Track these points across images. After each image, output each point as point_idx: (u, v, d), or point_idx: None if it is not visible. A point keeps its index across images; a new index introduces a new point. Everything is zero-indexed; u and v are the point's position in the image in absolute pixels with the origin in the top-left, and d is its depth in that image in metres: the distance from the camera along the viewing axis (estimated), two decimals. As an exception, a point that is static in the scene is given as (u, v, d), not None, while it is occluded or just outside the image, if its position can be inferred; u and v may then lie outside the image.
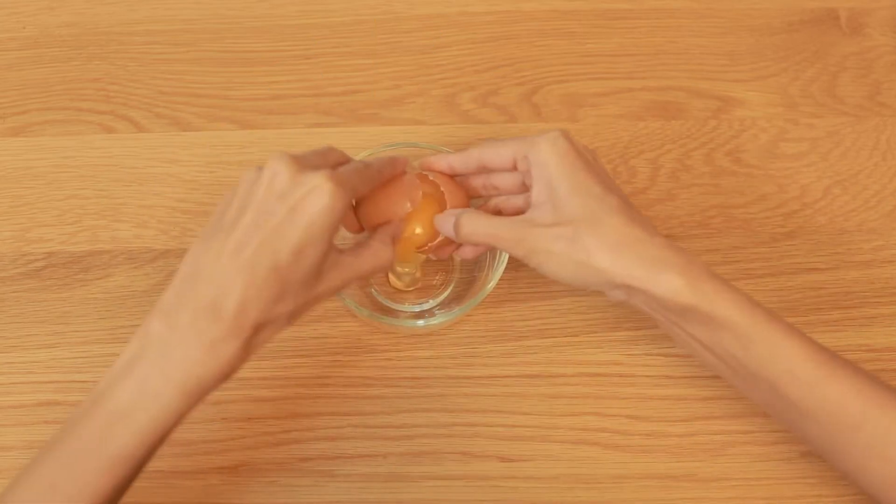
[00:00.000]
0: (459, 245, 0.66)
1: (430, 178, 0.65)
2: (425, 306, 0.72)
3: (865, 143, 0.79)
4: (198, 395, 0.52)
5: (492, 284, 0.66)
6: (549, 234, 0.57)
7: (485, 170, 0.65)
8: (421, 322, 0.67)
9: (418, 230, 0.64)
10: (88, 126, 0.80)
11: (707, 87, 0.82)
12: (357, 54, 0.83)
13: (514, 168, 0.63)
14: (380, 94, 0.81)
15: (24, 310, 0.72)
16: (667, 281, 0.55)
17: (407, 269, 0.71)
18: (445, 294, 0.72)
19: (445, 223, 0.63)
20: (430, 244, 0.65)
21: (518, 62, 0.83)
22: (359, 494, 0.66)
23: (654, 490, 0.66)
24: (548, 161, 0.59)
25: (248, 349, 0.53)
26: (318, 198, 0.53)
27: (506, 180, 0.65)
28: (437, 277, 0.73)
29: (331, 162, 0.59)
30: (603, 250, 0.56)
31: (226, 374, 0.52)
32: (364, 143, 0.78)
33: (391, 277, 0.73)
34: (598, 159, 0.63)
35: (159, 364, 0.51)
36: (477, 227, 0.61)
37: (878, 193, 0.77)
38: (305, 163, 0.56)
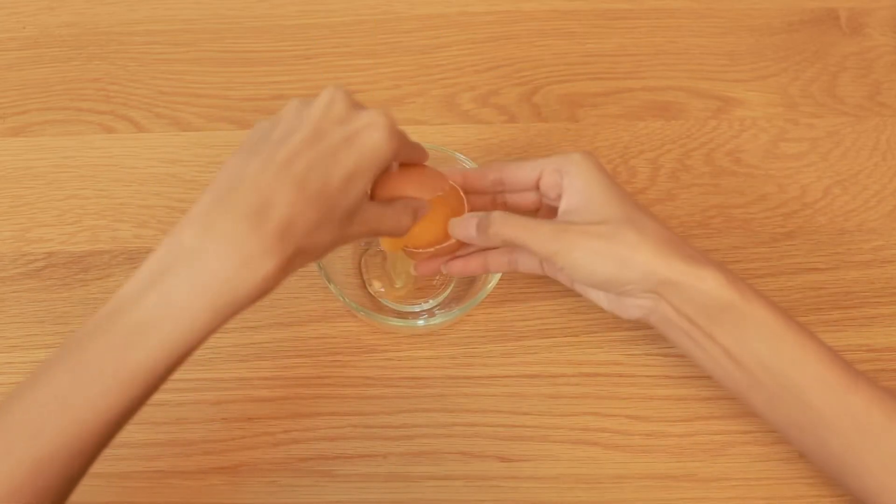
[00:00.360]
0: (450, 258, 0.65)
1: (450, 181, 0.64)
2: (425, 306, 0.72)
3: (865, 143, 0.79)
4: (227, 313, 0.49)
5: (492, 284, 0.66)
6: (590, 230, 0.57)
7: (500, 187, 0.65)
8: (421, 322, 0.68)
9: (429, 227, 0.63)
10: (88, 126, 0.80)
11: (707, 87, 0.82)
12: (357, 54, 0.83)
13: (535, 187, 0.64)
14: (380, 94, 0.81)
15: (24, 310, 0.72)
16: (710, 275, 0.56)
17: (399, 271, 0.71)
18: (445, 294, 0.72)
19: (465, 225, 0.61)
20: (433, 246, 0.63)
21: (518, 62, 0.83)
22: (359, 494, 0.66)
23: (655, 490, 0.66)
24: (583, 171, 0.60)
25: (284, 270, 0.49)
26: (375, 132, 0.52)
27: (522, 199, 0.65)
28: (437, 277, 0.73)
29: None
30: (647, 245, 0.56)
31: (259, 293, 0.49)
32: (364, 143, 0.78)
33: (391, 274, 0.72)
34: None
35: (190, 276, 0.48)
36: (506, 223, 0.59)
37: (879, 193, 0.77)
38: (358, 102, 0.55)
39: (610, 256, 0.57)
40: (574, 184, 0.60)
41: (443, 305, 0.72)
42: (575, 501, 0.66)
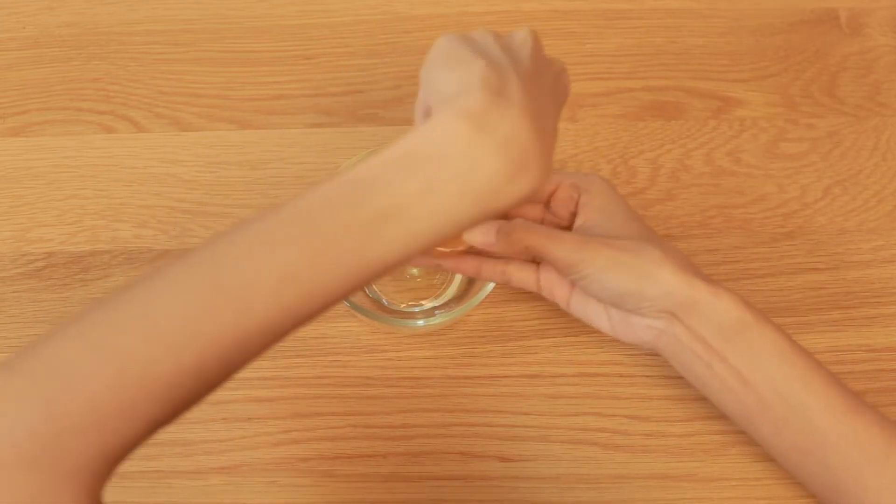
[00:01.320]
0: (461, 255, 0.63)
1: None
2: (426, 306, 0.72)
3: (865, 143, 0.79)
4: (486, 219, 0.45)
5: (492, 284, 0.66)
6: (615, 243, 0.58)
7: None
8: (421, 322, 0.68)
9: None
10: (88, 126, 0.80)
11: (707, 87, 0.82)
12: (357, 54, 0.83)
13: (544, 201, 0.65)
14: (380, 95, 0.81)
15: (23, 310, 0.72)
16: (727, 295, 0.58)
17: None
18: (446, 294, 0.72)
19: (485, 230, 0.58)
20: (450, 249, 0.62)
21: (518, 62, 0.83)
22: (359, 494, 0.66)
23: (654, 490, 0.66)
24: (603, 192, 0.63)
25: (539, 184, 0.45)
26: (567, 80, 0.55)
27: (526, 211, 0.65)
28: (437, 277, 0.73)
29: None
30: (670, 263, 0.58)
31: (517, 203, 0.45)
32: (364, 143, 0.78)
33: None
34: None
35: (460, 176, 0.43)
36: (530, 230, 0.59)
37: (878, 193, 0.77)
38: None
39: (633, 270, 0.58)
40: (592, 202, 0.62)
41: (443, 305, 0.72)
42: (575, 501, 0.66)
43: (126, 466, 0.66)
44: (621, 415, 0.68)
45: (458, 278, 0.73)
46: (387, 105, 0.81)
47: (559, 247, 0.59)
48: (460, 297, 0.72)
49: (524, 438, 0.67)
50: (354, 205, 0.43)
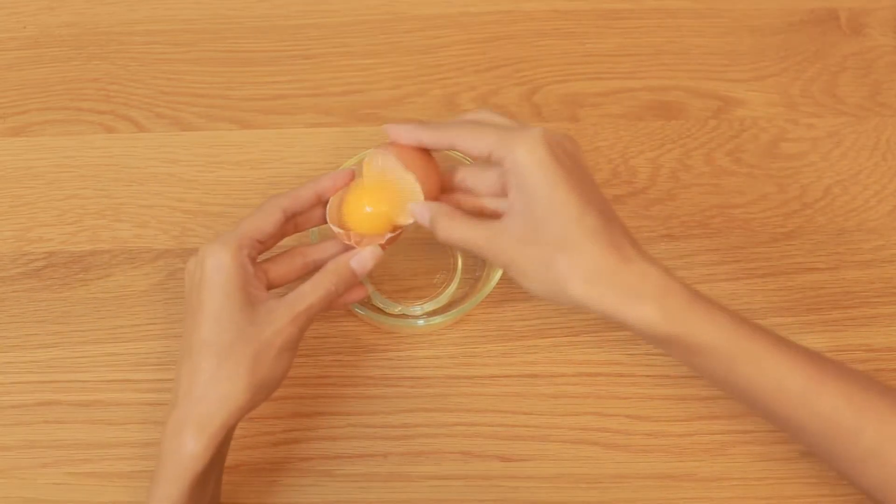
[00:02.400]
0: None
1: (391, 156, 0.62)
2: (426, 307, 0.72)
3: (866, 143, 0.79)
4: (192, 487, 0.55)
5: (492, 284, 0.66)
6: (525, 254, 0.56)
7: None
8: (421, 322, 0.68)
9: (378, 215, 0.62)
10: (89, 126, 0.80)
11: (707, 87, 0.82)
12: (357, 54, 0.83)
13: (490, 160, 0.59)
14: (380, 94, 0.81)
15: (24, 309, 0.72)
16: (641, 312, 0.54)
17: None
18: (446, 294, 0.72)
19: (421, 214, 0.60)
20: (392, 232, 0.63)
21: (518, 62, 0.83)
22: (359, 494, 0.66)
23: (655, 490, 0.66)
24: (525, 171, 0.55)
25: (215, 450, 0.55)
26: (198, 275, 0.58)
27: (484, 181, 0.61)
28: (437, 276, 0.73)
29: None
30: (577, 279, 0.54)
31: (197, 472, 0.55)
32: (364, 142, 0.78)
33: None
34: (577, 155, 0.59)
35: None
36: (453, 230, 0.58)
37: (879, 193, 0.77)
38: (223, 238, 0.59)
39: (544, 283, 0.56)
40: (515, 182, 0.56)
41: (443, 305, 0.72)
42: (575, 501, 0.66)
43: (127, 466, 0.66)
44: (622, 414, 0.68)
45: (457, 278, 0.73)
46: (387, 105, 0.81)
47: (478, 252, 0.58)
48: (461, 297, 0.72)
49: (524, 438, 0.67)
50: None
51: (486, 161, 0.59)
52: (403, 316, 0.71)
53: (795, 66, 0.83)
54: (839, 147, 0.79)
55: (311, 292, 0.59)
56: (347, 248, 0.62)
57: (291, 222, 0.63)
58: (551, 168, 0.55)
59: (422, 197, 0.61)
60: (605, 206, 0.57)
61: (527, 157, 0.55)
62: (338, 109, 0.80)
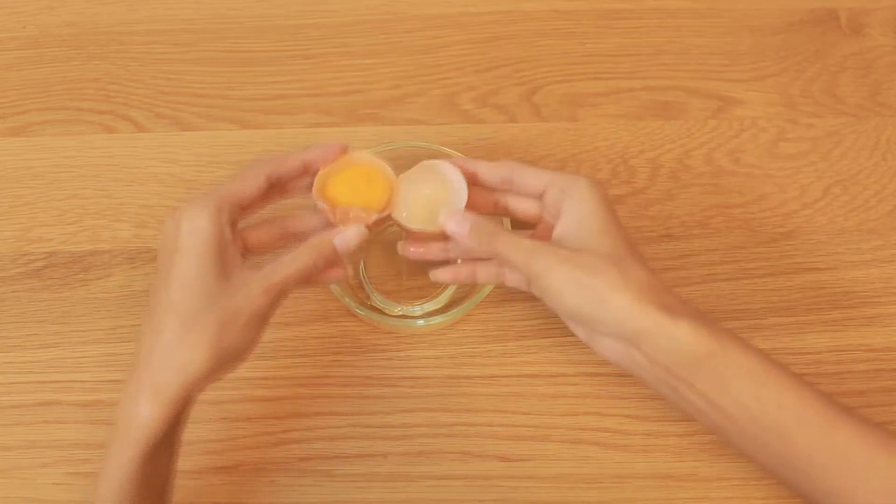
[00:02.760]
0: (439, 264, 0.66)
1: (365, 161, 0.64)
2: (426, 307, 0.72)
3: (865, 143, 0.79)
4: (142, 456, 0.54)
5: (490, 286, 0.66)
6: (573, 258, 0.57)
7: (507, 186, 0.64)
8: (421, 322, 0.68)
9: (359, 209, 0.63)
10: (89, 126, 0.80)
11: (707, 87, 0.82)
12: (357, 54, 0.83)
13: (540, 197, 0.63)
14: (380, 94, 0.81)
15: (24, 309, 0.72)
16: (687, 326, 0.55)
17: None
18: (445, 294, 0.72)
19: (459, 221, 0.61)
20: (366, 209, 0.63)
21: (518, 62, 0.83)
22: (358, 494, 0.66)
23: (655, 490, 0.66)
24: (586, 199, 0.60)
25: (171, 418, 0.54)
26: (177, 231, 0.57)
27: (522, 205, 0.65)
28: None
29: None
30: (627, 289, 0.56)
31: (151, 441, 0.54)
32: (364, 142, 0.78)
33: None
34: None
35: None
36: (494, 237, 0.60)
37: (878, 193, 0.77)
38: (198, 199, 0.58)
39: (587, 290, 0.56)
40: (574, 209, 0.60)
41: (443, 305, 0.72)
42: (575, 501, 0.66)
43: (126, 466, 0.65)
44: (621, 414, 0.68)
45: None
46: (386, 105, 0.81)
47: (520, 256, 0.59)
48: (461, 296, 0.72)
49: (524, 438, 0.67)
50: None
51: (534, 196, 0.64)
52: (403, 316, 0.71)
53: (795, 65, 0.83)
54: (839, 147, 0.79)
55: (288, 264, 0.58)
56: (330, 225, 0.62)
57: (277, 189, 0.63)
58: (607, 203, 0.60)
59: (462, 203, 0.63)
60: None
61: (590, 189, 0.60)
62: (338, 109, 0.80)
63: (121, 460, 0.53)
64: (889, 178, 0.78)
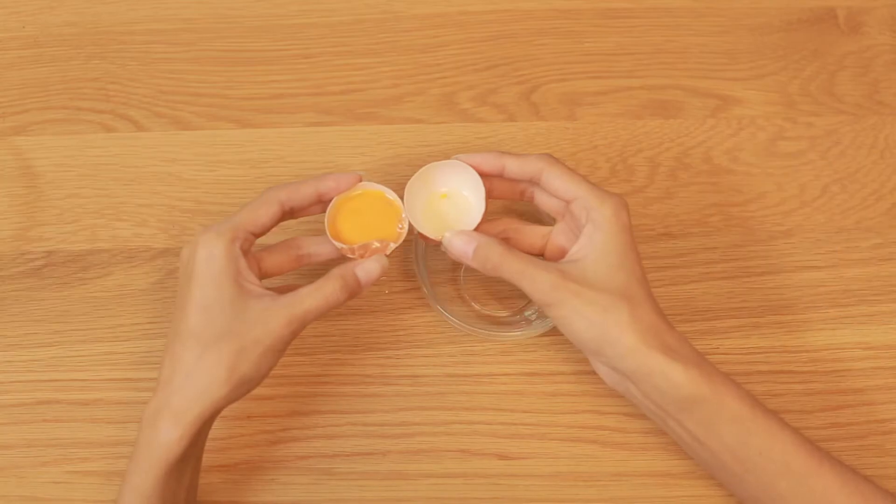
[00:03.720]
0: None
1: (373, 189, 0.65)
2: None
3: (864, 141, 0.79)
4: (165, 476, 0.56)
5: None
6: (586, 295, 0.58)
7: (536, 181, 0.64)
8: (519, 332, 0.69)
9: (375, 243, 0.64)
10: (88, 125, 0.80)
11: (706, 86, 0.82)
12: (356, 53, 0.83)
13: (564, 203, 0.64)
14: (379, 93, 0.81)
15: (23, 308, 0.72)
16: (684, 370, 0.57)
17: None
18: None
19: (464, 243, 0.62)
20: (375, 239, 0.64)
21: (517, 61, 0.83)
22: (358, 492, 0.66)
23: (653, 488, 0.66)
24: (607, 226, 0.60)
25: (190, 440, 0.56)
26: (191, 261, 0.59)
27: (549, 202, 0.65)
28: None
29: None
30: (633, 330, 0.57)
31: (173, 454, 0.55)
32: (363, 141, 0.78)
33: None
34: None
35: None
36: (505, 261, 0.60)
37: (877, 192, 0.77)
38: (218, 227, 0.60)
39: (597, 327, 0.58)
40: (594, 237, 0.60)
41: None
42: (574, 499, 0.66)
43: (126, 465, 0.66)
44: (620, 412, 0.68)
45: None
46: (386, 104, 0.81)
47: (532, 286, 0.59)
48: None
49: (523, 436, 0.68)
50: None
51: (561, 204, 0.64)
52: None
53: (794, 64, 0.83)
54: (837, 145, 0.79)
55: (311, 295, 0.59)
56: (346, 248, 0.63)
57: (288, 214, 0.64)
58: (629, 233, 0.61)
59: (476, 221, 0.64)
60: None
61: (613, 215, 0.60)
62: (337, 108, 0.80)
63: (142, 478, 0.56)
64: (887, 176, 0.78)
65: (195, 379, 0.56)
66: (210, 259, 0.58)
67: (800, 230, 0.75)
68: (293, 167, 0.77)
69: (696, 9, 0.86)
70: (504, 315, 0.72)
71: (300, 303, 0.58)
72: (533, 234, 0.67)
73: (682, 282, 0.73)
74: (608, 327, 0.57)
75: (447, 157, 0.66)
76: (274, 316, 0.57)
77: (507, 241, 0.64)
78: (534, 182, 0.65)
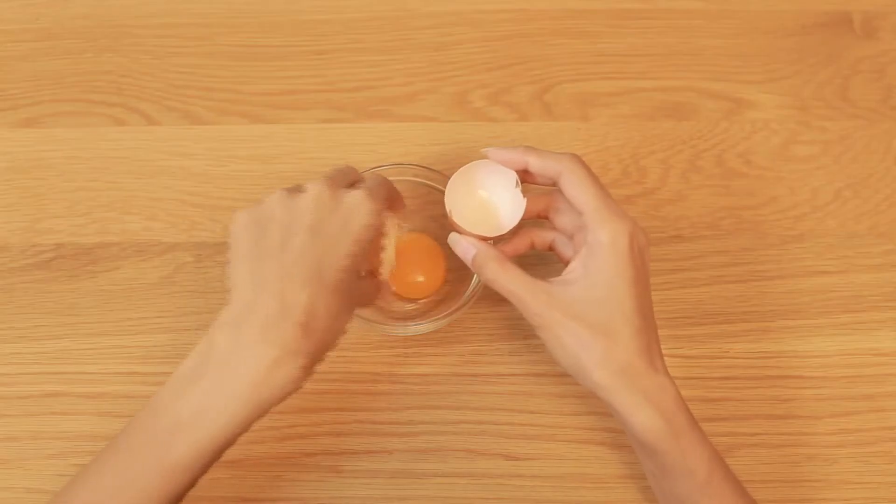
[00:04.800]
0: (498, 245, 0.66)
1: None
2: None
3: (877, 146, 0.79)
4: (259, 413, 0.53)
5: (472, 288, 0.68)
6: (567, 326, 0.57)
7: (548, 183, 0.64)
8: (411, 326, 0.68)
9: (419, 278, 0.70)
10: (100, 118, 0.80)
11: (719, 89, 0.82)
12: (370, 50, 0.83)
13: (578, 211, 0.62)
14: (391, 91, 0.81)
15: (32, 300, 0.72)
16: (648, 422, 0.56)
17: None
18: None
19: (463, 252, 0.63)
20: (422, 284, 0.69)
21: (530, 61, 0.83)
22: (364, 490, 0.66)
23: (660, 491, 0.66)
24: (601, 253, 0.58)
25: (310, 368, 0.54)
26: (360, 213, 0.56)
27: (565, 222, 0.64)
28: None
29: (352, 180, 0.61)
30: (605, 369, 0.56)
31: (288, 393, 0.53)
32: (375, 138, 0.78)
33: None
34: (646, 253, 0.60)
35: (222, 380, 0.52)
36: (497, 276, 0.60)
37: (890, 197, 0.77)
38: (339, 183, 0.58)
39: (572, 358, 0.57)
40: (588, 261, 0.59)
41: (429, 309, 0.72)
42: (580, 500, 0.66)
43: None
44: (628, 415, 0.68)
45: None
46: (398, 101, 0.81)
47: (520, 306, 0.59)
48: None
49: (530, 437, 0.67)
50: (151, 426, 0.53)
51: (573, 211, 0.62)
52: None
53: (808, 68, 0.83)
54: (850, 150, 0.79)
55: (376, 290, 0.64)
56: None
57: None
58: (624, 261, 0.58)
59: (520, 216, 0.64)
60: (650, 310, 0.60)
61: (611, 244, 0.58)
62: (349, 105, 0.80)
63: (234, 409, 0.53)
64: (901, 182, 0.78)
65: (334, 324, 0.55)
66: (369, 224, 0.57)
67: (811, 235, 0.75)
68: (305, 164, 0.77)
69: (710, 11, 0.86)
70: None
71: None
72: (576, 196, 0.62)
73: (693, 285, 0.73)
74: (582, 361, 0.57)
75: (459, 156, 0.66)
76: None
77: (555, 181, 0.63)
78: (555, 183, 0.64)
